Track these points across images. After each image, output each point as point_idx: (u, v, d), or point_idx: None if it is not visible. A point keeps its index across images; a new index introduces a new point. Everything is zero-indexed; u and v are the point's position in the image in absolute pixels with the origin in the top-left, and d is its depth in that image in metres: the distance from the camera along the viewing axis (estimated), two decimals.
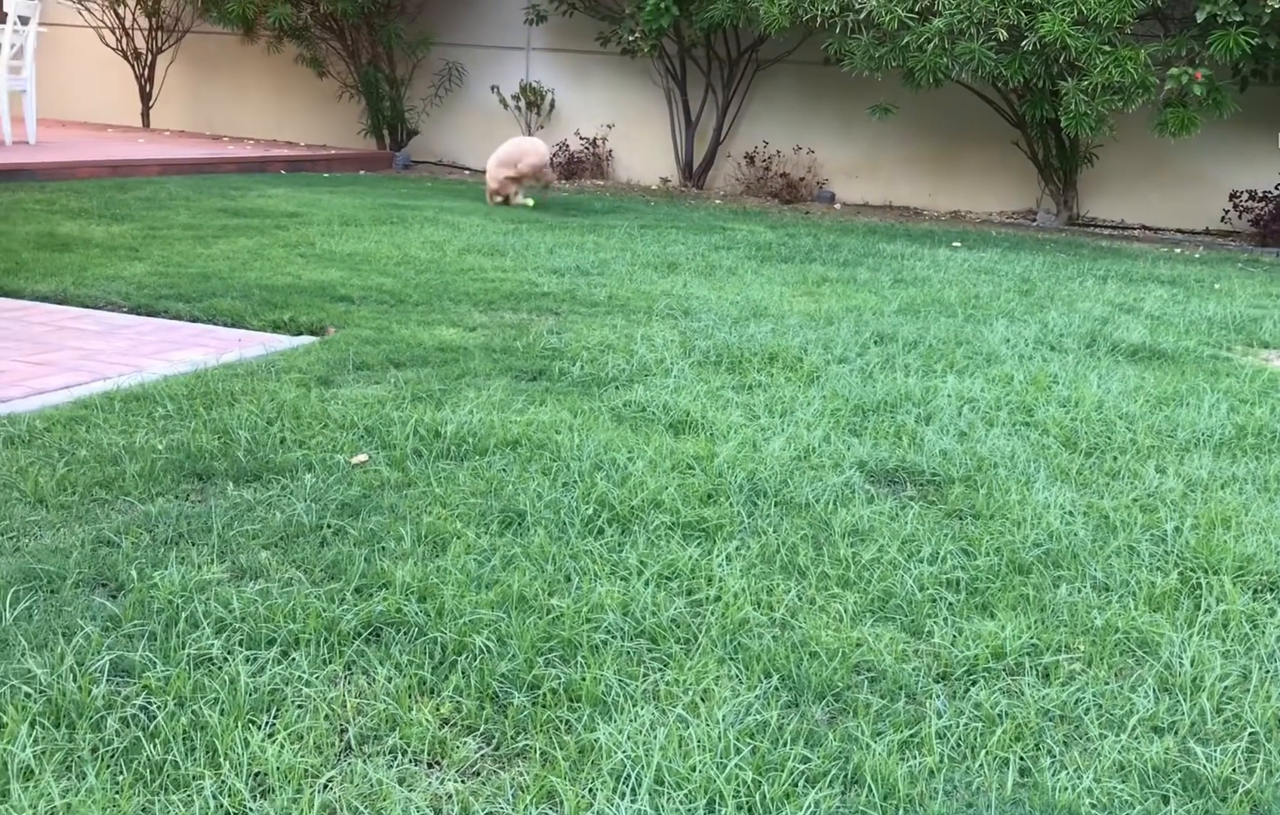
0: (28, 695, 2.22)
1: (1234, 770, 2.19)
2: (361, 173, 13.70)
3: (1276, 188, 11.73)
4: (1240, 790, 2.13)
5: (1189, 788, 2.14)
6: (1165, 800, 2.10)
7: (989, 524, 3.32)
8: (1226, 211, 12.06)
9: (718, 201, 13.04)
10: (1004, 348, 5.53)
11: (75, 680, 2.27)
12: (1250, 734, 2.31)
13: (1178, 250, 10.91)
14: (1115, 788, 2.12)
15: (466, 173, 15.02)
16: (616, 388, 4.50)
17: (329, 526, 3.05)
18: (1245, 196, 11.89)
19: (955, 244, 9.96)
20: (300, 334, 5.20)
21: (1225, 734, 2.31)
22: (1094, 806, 2.07)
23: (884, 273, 7.85)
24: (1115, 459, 3.97)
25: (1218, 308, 7.08)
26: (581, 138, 14.60)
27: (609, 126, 14.55)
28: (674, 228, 9.78)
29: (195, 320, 5.41)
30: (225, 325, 5.33)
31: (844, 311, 6.28)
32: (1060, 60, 10.68)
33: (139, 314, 5.51)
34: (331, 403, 4.07)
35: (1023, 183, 12.88)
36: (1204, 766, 2.19)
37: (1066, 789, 2.11)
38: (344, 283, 6.27)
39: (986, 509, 3.42)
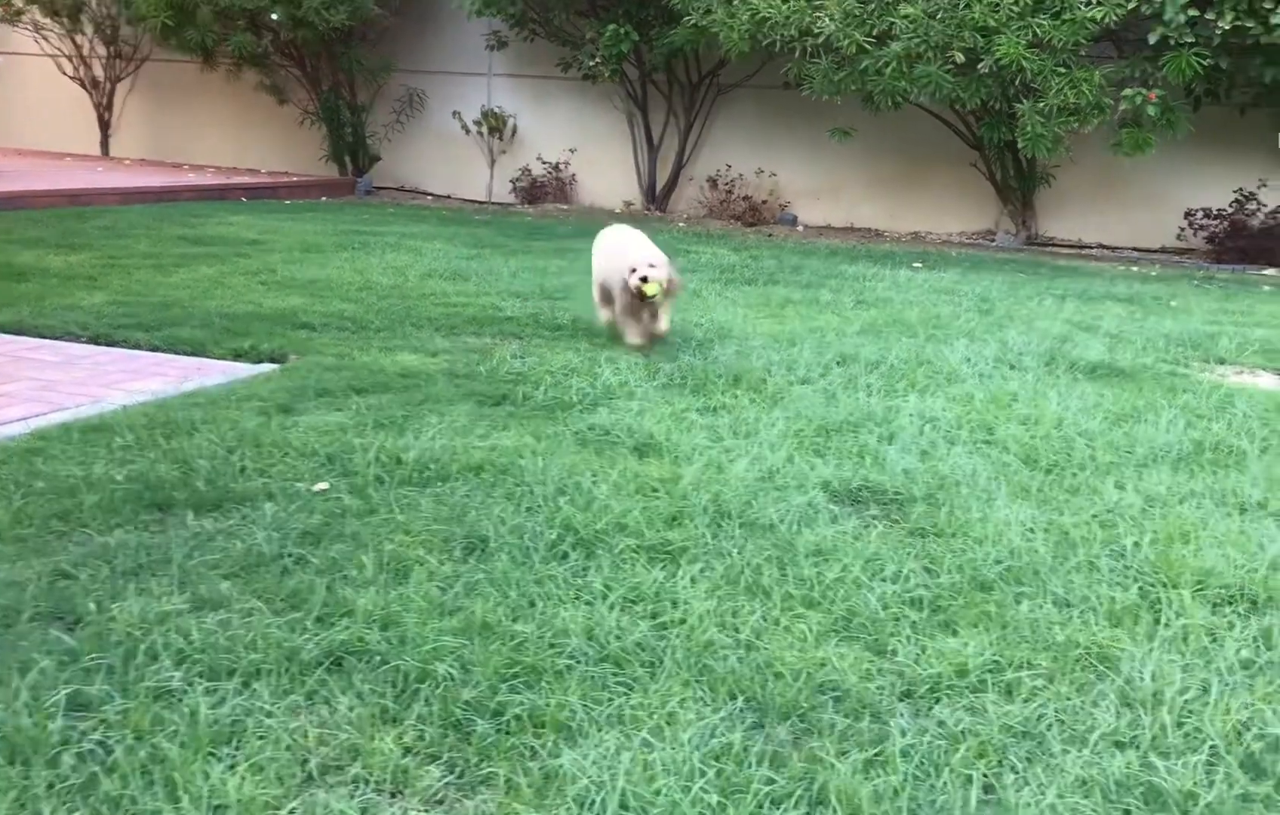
0: None
1: (1195, 783, 2.20)
2: (323, 199, 13.66)
3: (1230, 206, 11.90)
4: (1201, 803, 2.14)
5: (1151, 802, 2.15)
6: (1127, 814, 2.12)
7: (951, 542, 3.33)
8: (1182, 229, 12.22)
9: (681, 224, 13.08)
10: (964, 367, 5.56)
11: (31, 716, 2.23)
12: (1210, 747, 2.32)
13: (1134, 268, 11.03)
14: (1078, 803, 2.13)
15: (429, 198, 15.01)
16: (580, 411, 4.50)
17: (290, 555, 3.03)
18: (1200, 214, 12.05)
19: (916, 265, 10.03)
20: (261, 362, 5.16)
21: (1186, 747, 2.32)
22: None
23: (846, 294, 7.89)
24: (1075, 476, 4.00)
25: (1174, 325, 7.16)
26: (544, 162, 14.62)
27: (571, 151, 14.59)
28: None
29: (155, 349, 5.36)
30: (186, 354, 5.29)
31: (807, 333, 6.31)
32: (1016, 82, 10.81)
33: (98, 344, 5.45)
34: (292, 430, 4.04)
35: (982, 204, 13.01)
36: (1165, 780, 2.20)
37: (1030, 805, 2.11)
38: (305, 310, 6.24)
39: (948, 527, 3.44)
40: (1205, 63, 10.38)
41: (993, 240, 12.77)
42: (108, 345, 5.44)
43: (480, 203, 14.80)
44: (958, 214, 13.24)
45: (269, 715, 2.29)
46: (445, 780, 2.14)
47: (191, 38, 14.14)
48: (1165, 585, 3.07)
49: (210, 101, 15.88)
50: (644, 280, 5.40)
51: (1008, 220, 12.74)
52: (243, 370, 4.99)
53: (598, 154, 14.53)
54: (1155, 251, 12.34)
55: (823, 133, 12.44)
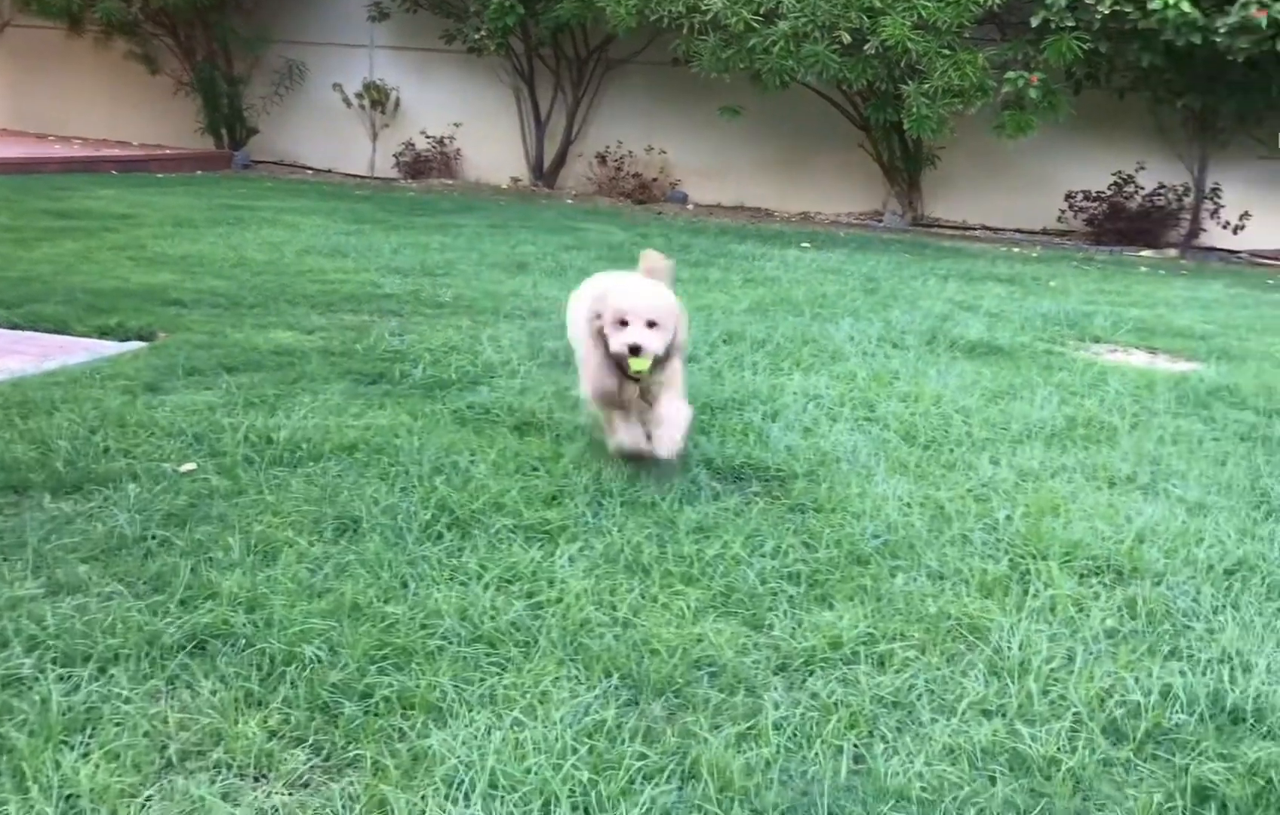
0: None
1: (1058, 749, 2.24)
2: (198, 173, 13.28)
3: (1109, 188, 12.23)
4: (1064, 768, 2.18)
5: (1015, 768, 2.19)
6: (993, 781, 2.14)
7: (830, 517, 3.35)
8: (1063, 211, 12.54)
9: (569, 201, 13.01)
10: (849, 345, 5.62)
11: None
12: (1074, 713, 2.37)
13: (1016, 249, 11.28)
14: (945, 770, 2.15)
15: (309, 172, 14.69)
16: (460, 389, 4.43)
17: (154, 538, 2.92)
18: (1080, 196, 12.37)
19: (804, 244, 10.12)
20: (128, 339, 4.98)
21: (1050, 714, 2.37)
22: (924, 790, 2.10)
23: (734, 272, 7.92)
24: (952, 451, 4.06)
25: (1052, 305, 7.33)
26: (428, 136, 14.41)
27: (456, 125, 14.39)
28: (524, 227, 9.72)
29: (14, 327, 5.13)
30: (47, 332, 5.07)
31: (694, 311, 6.28)
32: (902, 63, 10.96)
33: None
34: (159, 410, 3.90)
35: (870, 185, 13.18)
36: (1030, 747, 2.24)
37: (898, 774, 2.13)
38: (176, 286, 6.04)
39: (828, 502, 3.46)
40: (1085, 46, 10.65)
41: (880, 221, 12.95)
42: None
43: (362, 177, 14.54)
44: (846, 195, 13.40)
45: (127, 701, 2.21)
46: (311, 763, 2.08)
47: (55, 3, 13.62)
48: (1035, 557, 3.13)
49: (78, 70, 15.31)
50: (634, 350, 3.36)
51: (895, 201, 12.93)
52: (108, 348, 4.81)
53: (484, 129, 14.37)
54: (1037, 233, 12.64)
55: (712, 111, 12.47)
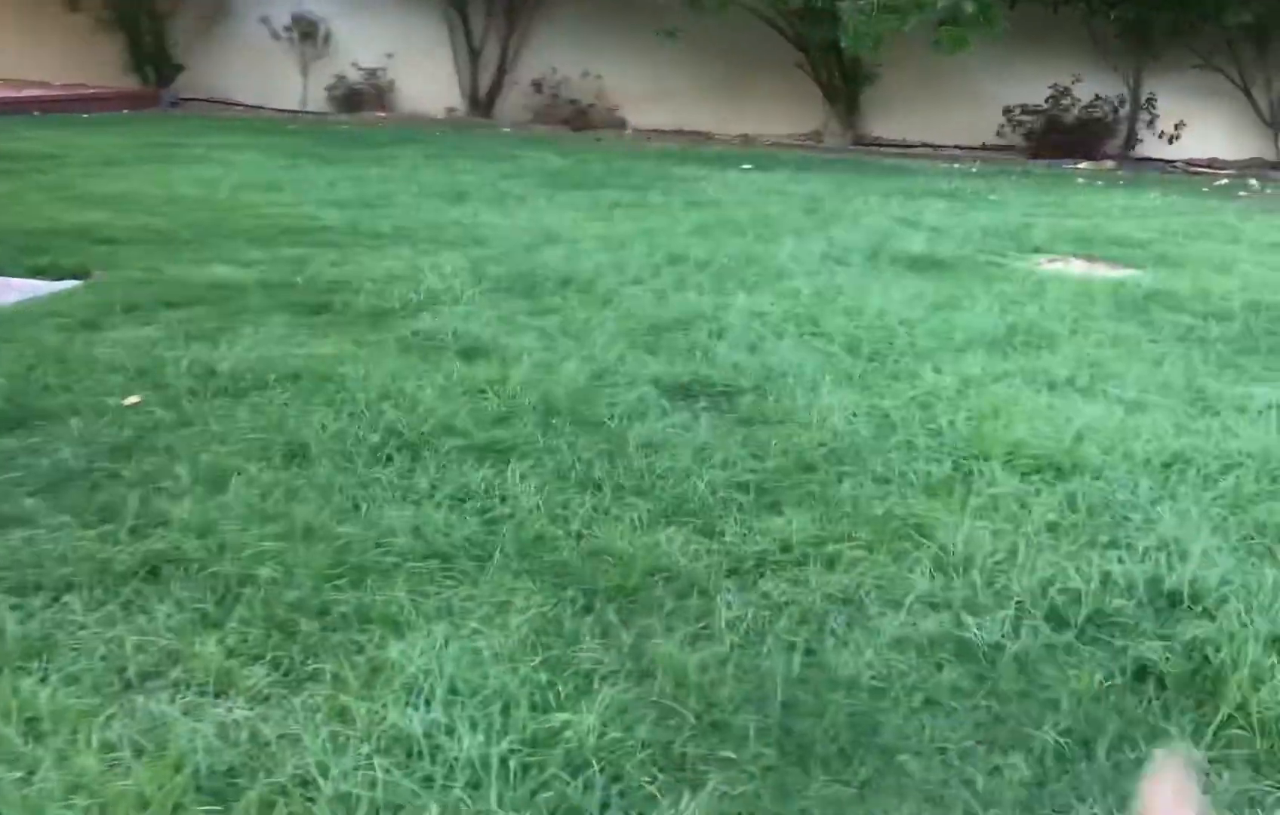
0: None
1: (1002, 636, 2.31)
2: (125, 112, 12.98)
3: (1046, 102, 12.30)
4: (1008, 653, 2.25)
5: (962, 655, 2.25)
6: (939, 667, 2.20)
7: (778, 428, 3.39)
8: (1001, 126, 12.60)
9: (506, 130, 12.89)
10: (792, 264, 5.65)
11: None
12: (1017, 603, 2.43)
13: (956, 165, 11.34)
14: (894, 659, 2.21)
15: (240, 109, 14.41)
16: (404, 317, 4.41)
17: (100, 470, 2.90)
18: (1018, 111, 12.44)
19: (746, 166, 10.12)
20: (62, 278, 4.89)
21: (995, 604, 2.43)
22: (874, 678, 2.16)
23: (676, 196, 7.91)
24: (895, 362, 4.11)
25: (992, 218, 7.40)
26: (360, 69, 14.17)
27: (389, 57, 14.16)
28: (462, 157, 9.63)
29: None
30: None
31: (637, 235, 6.30)
32: None
33: None
34: (98, 345, 3.86)
35: (810, 105, 13.15)
36: (975, 634, 2.30)
37: (848, 665, 2.19)
38: (108, 225, 5.94)
39: (775, 414, 3.50)
40: None
41: (821, 141, 12.96)
42: None
43: (294, 113, 14.28)
44: (786, 116, 13.37)
45: (82, 627, 2.21)
46: (271, 678, 2.09)
47: None
48: (978, 458, 3.19)
49: None
50: None
51: (834, 122, 12.93)
52: (42, 288, 4.73)
53: (417, 59, 14.15)
54: (977, 148, 12.70)
55: (649, 34, 12.34)
